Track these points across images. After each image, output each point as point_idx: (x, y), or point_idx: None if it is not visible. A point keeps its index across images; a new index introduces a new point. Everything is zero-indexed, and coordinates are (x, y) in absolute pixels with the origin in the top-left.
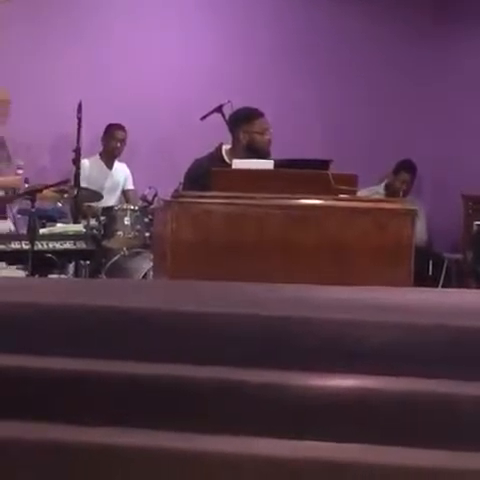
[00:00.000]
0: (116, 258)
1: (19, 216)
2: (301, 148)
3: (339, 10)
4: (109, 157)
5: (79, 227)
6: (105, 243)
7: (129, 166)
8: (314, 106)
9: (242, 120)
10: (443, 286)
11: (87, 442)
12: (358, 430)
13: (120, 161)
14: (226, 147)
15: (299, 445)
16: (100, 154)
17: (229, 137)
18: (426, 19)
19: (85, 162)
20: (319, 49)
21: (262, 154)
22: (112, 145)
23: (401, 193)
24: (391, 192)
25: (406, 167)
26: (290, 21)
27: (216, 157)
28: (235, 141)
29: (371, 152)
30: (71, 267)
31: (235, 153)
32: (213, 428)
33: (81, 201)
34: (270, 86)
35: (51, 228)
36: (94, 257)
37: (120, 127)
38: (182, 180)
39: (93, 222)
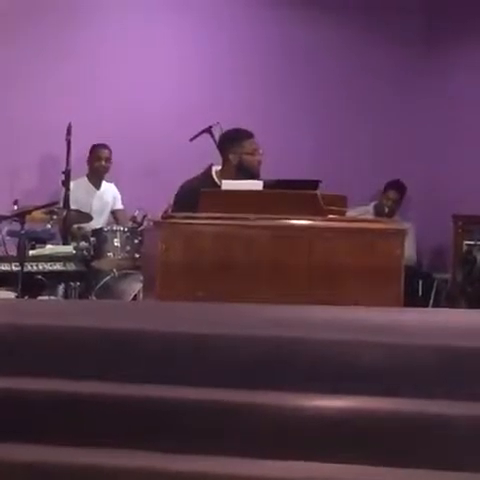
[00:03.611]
0: (106, 279)
1: (8, 238)
2: (291, 168)
3: (331, 29)
4: (96, 177)
5: (69, 248)
6: (95, 264)
7: (118, 187)
8: (304, 126)
9: (232, 141)
10: (433, 306)
11: (73, 463)
12: (351, 450)
13: (108, 181)
14: (216, 168)
15: (291, 466)
16: (87, 175)
17: (218, 158)
18: (419, 41)
19: (71, 184)
20: (309, 69)
21: (252, 175)
22: (97, 164)
23: (386, 210)
24: (379, 212)
25: (394, 186)
26: (280, 41)
27: (206, 178)
28: (225, 162)
29: (361, 172)
30: (61, 289)
31: (225, 174)
32: (205, 449)
33: (70, 222)
34: (259, 106)
35: (41, 250)
36: (84, 278)
37: (104, 146)
38: (171, 201)
39: (83, 243)
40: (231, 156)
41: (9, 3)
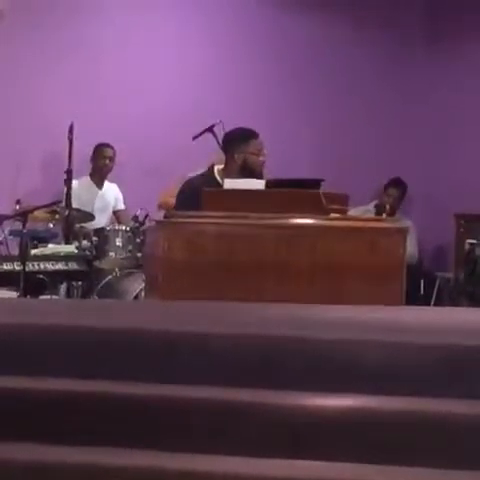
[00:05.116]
0: (108, 279)
1: (11, 237)
2: (291, 168)
3: (332, 28)
4: (99, 176)
5: (71, 248)
6: (97, 264)
7: (120, 187)
8: (305, 125)
9: (238, 140)
10: (435, 305)
11: (72, 462)
12: (353, 449)
13: (111, 182)
14: (218, 167)
15: (293, 464)
16: (90, 174)
17: (220, 157)
18: (418, 38)
19: (74, 183)
20: (310, 68)
21: (256, 175)
22: (101, 163)
23: (387, 207)
24: (379, 210)
25: (394, 184)
26: (281, 39)
27: (208, 177)
28: (229, 161)
29: (362, 171)
30: (63, 288)
31: (228, 173)
32: (208, 448)
33: (73, 222)
34: (261, 105)
35: (43, 249)
36: (86, 278)
37: (108, 145)
38: (174, 200)
39: (85, 243)
40: (236, 155)
41: (10, 2)
